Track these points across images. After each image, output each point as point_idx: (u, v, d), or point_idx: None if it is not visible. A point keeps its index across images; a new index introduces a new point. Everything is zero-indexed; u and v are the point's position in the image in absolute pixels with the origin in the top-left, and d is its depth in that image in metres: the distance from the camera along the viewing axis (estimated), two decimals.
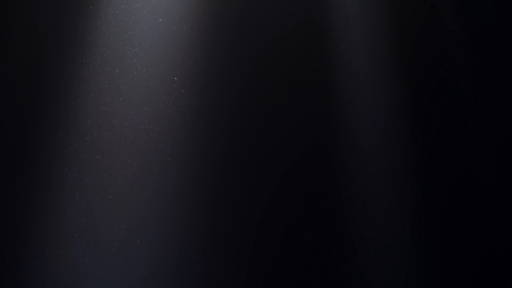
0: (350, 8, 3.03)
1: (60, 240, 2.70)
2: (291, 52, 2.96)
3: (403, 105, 3.01)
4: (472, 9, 3.15)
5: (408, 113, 3.01)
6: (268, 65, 2.94)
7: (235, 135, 2.86)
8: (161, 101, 2.83)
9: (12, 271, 2.67)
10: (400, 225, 2.91)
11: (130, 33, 2.85)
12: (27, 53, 2.81)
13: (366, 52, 3.01)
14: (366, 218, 2.89)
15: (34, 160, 2.74)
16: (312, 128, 2.92)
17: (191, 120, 2.84)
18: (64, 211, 2.72)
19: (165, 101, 2.83)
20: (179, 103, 2.84)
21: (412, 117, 3.01)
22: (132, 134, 2.79)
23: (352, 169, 2.92)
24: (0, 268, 2.67)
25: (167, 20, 2.88)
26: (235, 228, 2.81)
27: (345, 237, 2.86)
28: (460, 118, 3.05)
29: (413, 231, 2.92)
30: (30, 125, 2.76)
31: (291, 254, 2.83)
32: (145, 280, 2.72)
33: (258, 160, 2.87)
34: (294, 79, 2.95)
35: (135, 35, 2.86)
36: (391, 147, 2.97)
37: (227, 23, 2.92)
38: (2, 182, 2.72)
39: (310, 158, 2.90)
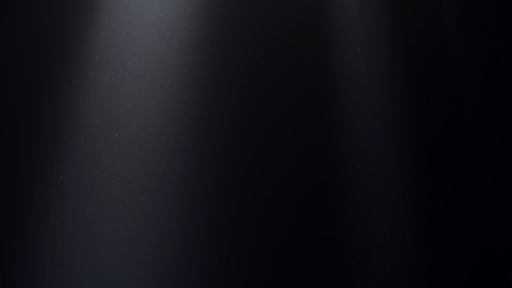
0: (350, 8, 3.03)
1: (61, 238, 2.70)
2: (291, 51, 2.96)
3: (403, 105, 3.01)
4: (472, 9, 3.15)
5: (408, 113, 3.01)
6: (268, 64, 2.94)
7: (235, 134, 2.86)
8: (162, 99, 2.83)
9: (12, 271, 2.67)
10: (400, 225, 2.91)
11: (130, 32, 2.86)
12: (27, 53, 2.81)
13: (366, 52, 3.01)
14: (366, 218, 2.88)
15: (35, 158, 2.74)
16: (312, 128, 2.92)
17: (192, 118, 2.84)
18: (65, 209, 2.72)
19: (165, 99, 2.83)
20: (179, 102, 2.84)
21: (412, 117, 3.01)
22: (133, 132, 2.79)
23: (353, 169, 2.92)
24: (0, 267, 2.67)
25: (167, 19, 2.88)
26: (235, 227, 2.81)
27: (345, 237, 2.86)
28: (460, 118, 3.05)
29: (413, 231, 2.92)
30: (30, 124, 2.76)
31: (291, 254, 2.82)
32: (146, 279, 2.72)
33: (258, 159, 2.87)
34: (294, 79, 2.95)
35: (135, 35, 2.86)
36: (391, 147, 2.96)
37: (227, 22, 2.92)
38: (3, 181, 2.72)
39: (310, 158, 2.90)
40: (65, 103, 2.78)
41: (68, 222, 2.71)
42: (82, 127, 2.77)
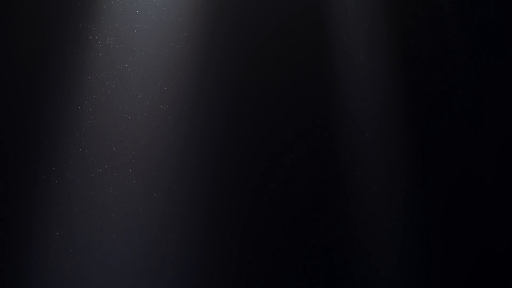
0: (350, 7, 3.02)
1: (62, 239, 2.70)
2: (291, 52, 2.96)
3: (403, 105, 3.01)
4: (473, 10, 3.15)
5: (408, 113, 3.01)
6: (268, 65, 2.94)
7: (235, 136, 2.86)
8: (161, 102, 2.83)
9: (15, 271, 2.68)
10: (400, 225, 2.91)
11: (130, 34, 2.86)
12: (27, 53, 2.81)
13: (366, 52, 3.01)
14: (366, 218, 2.89)
15: (36, 160, 2.74)
16: (312, 128, 2.92)
17: (191, 119, 2.84)
18: (65, 210, 2.72)
19: (164, 101, 2.84)
20: (178, 103, 2.84)
21: (412, 117, 3.01)
22: (132, 134, 2.80)
23: (353, 170, 2.92)
24: (3, 267, 2.68)
25: (167, 21, 2.88)
26: (234, 229, 2.81)
27: (346, 237, 2.87)
28: (460, 118, 3.05)
29: (413, 231, 2.92)
30: (30, 125, 2.76)
31: (291, 254, 2.83)
32: (144, 279, 2.72)
33: (258, 160, 2.87)
34: (294, 79, 2.95)
35: (135, 37, 2.86)
36: (391, 147, 2.97)
37: (227, 24, 2.92)
38: (5, 182, 2.73)
39: (310, 159, 2.90)
40: (65, 104, 2.78)
41: (68, 222, 2.72)
42: (82, 129, 2.78)
